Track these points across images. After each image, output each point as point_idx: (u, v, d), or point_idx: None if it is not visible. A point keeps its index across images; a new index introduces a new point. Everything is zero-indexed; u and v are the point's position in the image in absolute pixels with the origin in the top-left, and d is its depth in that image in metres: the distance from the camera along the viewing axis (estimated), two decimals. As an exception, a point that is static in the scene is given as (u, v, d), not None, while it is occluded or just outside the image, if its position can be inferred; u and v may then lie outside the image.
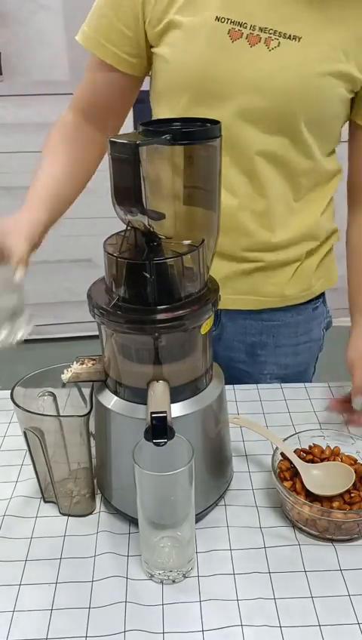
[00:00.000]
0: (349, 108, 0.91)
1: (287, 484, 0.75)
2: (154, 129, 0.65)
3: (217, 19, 0.83)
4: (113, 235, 0.71)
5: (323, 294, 1.10)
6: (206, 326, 0.69)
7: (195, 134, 0.67)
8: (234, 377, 1.08)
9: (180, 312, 0.65)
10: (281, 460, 0.79)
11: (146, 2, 0.86)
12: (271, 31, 0.82)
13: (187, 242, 0.68)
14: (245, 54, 0.83)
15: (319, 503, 0.73)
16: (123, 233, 0.68)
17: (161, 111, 0.95)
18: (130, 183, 0.60)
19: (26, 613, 0.63)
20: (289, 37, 0.82)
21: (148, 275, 0.63)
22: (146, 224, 0.64)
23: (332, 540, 0.71)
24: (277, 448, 0.78)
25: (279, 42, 0.82)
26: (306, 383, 1.03)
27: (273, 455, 0.77)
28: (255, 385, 1.03)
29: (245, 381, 1.08)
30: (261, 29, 0.82)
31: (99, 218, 1.48)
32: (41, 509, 0.77)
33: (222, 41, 0.83)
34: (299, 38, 0.82)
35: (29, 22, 2.66)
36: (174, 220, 0.68)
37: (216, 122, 0.67)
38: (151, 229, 0.65)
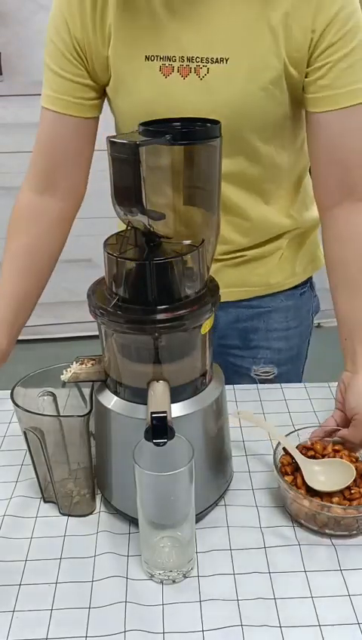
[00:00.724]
0: (300, 101, 0.87)
1: (288, 478, 0.75)
2: (154, 129, 0.65)
3: (146, 58, 0.82)
4: (113, 235, 0.71)
5: (310, 280, 1.11)
6: (206, 326, 0.69)
7: (195, 134, 0.67)
8: (229, 364, 1.09)
9: (180, 312, 0.65)
10: (283, 455, 0.79)
11: (86, 48, 0.84)
12: (198, 59, 0.81)
13: (187, 242, 0.68)
14: (180, 88, 0.82)
15: (319, 498, 0.73)
16: (123, 233, 0.68)
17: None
18: (130, 183, 0.60)
19: (26, 613, 0.63)
20: (217, 60, 0.80)
21: (148, 276, 0.63)
22: (146, 224, 0.64)
23: (331, 536, 0.71)
24: (279, 443, 0.78)
25: (208, 69, 0.81)
26: (306, 383, 1.03)
27: (275, 449, 0.77)
28: (255, 385, 1.03)
29: (239, 368, 1.09)
30: (189, 59, 0.81)
31: (99, 218, 1.48)
32: (41, 509, 0.77)
33: (157, 80, 0.82)
34: (226, 60, 0.80)
35: (29, 22, 2.65)
36: (174, 219, 0.68)
37: (216, 122, 0.67)
38: (151, 229, 0.65)
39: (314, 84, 0.82)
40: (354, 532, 0.72)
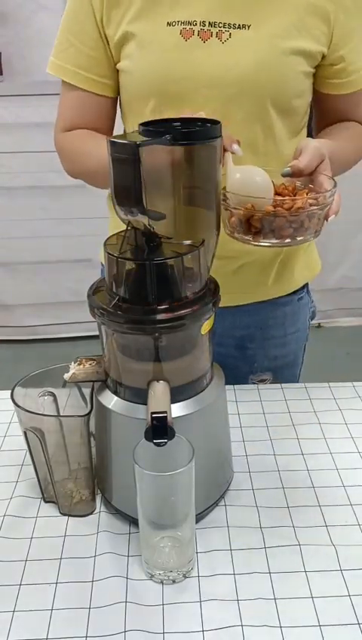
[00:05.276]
0: (312, 83, 0.93)
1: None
2: (154, 129, 0.65)
3: (168, 24, 0.85)
4: (113, 235, 0.71)
5: (306, 285, 1.12)
6: (206, 326, 0.69)
7: (195, 134, 0.67)
8: (225, 371, 1.08)
9: (180, 312, 0.65)
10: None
11: (104, 20, 0.87)
12: (220, 24, 0.84)
13: (187, 242, 0.68)
14: (200, 50, 0.85)
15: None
16: (123, 233, 0.68)
17: (130, 121, 0.95)
18: (130, 182, 0.61)
19: (26, 613, 0.63)
20: (239, 26, 0.84)
21: (148, 276, 0.63)
22: (146, 224, 0.64)
23: (266, 244, 0.70)
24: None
25: (230, 33, 0.84)
26: (306, 383, 1.03)
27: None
28: (255, 385, 1.03)
29: (235, 376, 1.08)
30: (210, 24, 0.84)
31: (99, 218, 1.47)
32: (41, 509, 0.77)
33: (176, 42, 0.85)
34: (249, 26, 0.84)
35: (29, 22, 2.65)
36: (174, 219, 0.68)
37: (216, 122, 0.67)
38: (152, 229, 0.65)
39: (330, 69, 0.90)
40: (288, 240, 0.69)
